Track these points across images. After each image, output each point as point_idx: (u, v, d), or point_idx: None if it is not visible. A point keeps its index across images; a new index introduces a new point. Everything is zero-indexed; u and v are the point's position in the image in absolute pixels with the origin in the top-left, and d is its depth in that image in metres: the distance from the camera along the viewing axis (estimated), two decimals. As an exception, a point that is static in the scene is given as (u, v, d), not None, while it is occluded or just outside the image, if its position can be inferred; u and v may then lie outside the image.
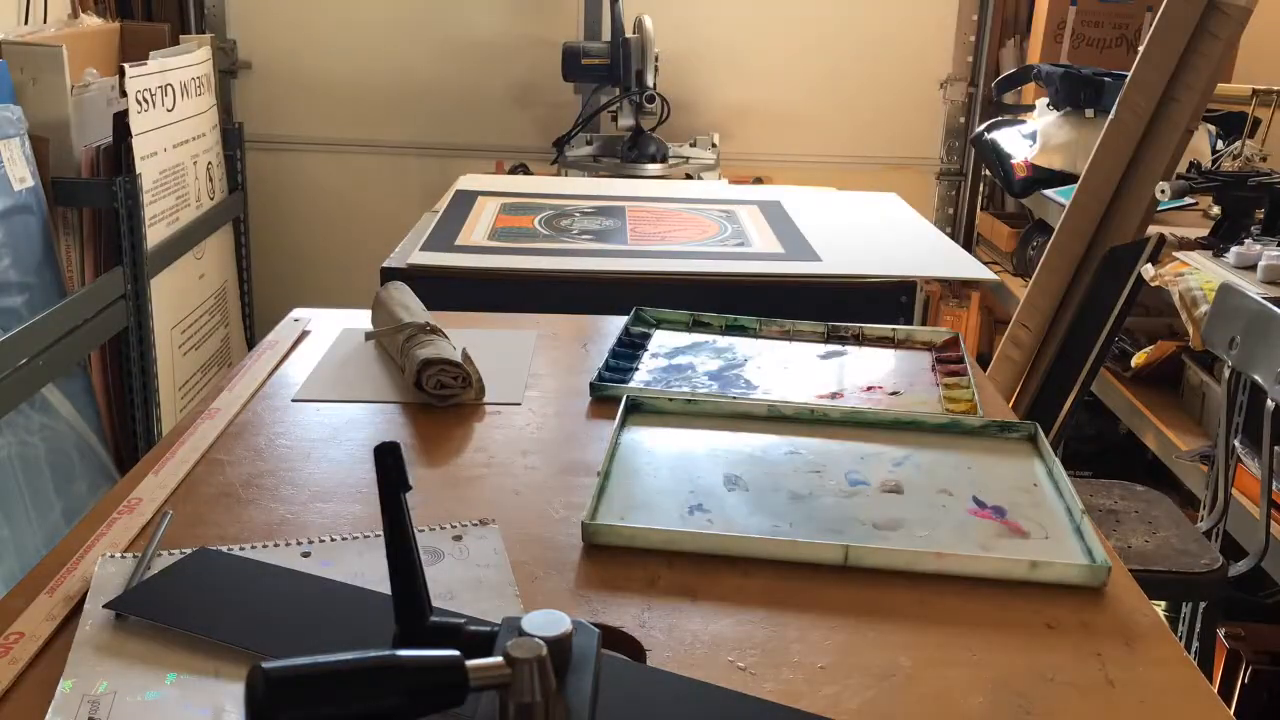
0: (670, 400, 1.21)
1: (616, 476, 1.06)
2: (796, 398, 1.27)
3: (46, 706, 0.72)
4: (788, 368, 1.37)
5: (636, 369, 1.34)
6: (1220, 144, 2.75)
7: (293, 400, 1.25)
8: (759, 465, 1.10)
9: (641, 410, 1.20)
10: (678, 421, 1.19)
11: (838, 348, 1.45)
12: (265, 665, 0.54)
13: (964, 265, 1.91)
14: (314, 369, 1.34)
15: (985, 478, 1.08)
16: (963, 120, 3.71)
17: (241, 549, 0.91)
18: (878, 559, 0.91)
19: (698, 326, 1.49)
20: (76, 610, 0.83)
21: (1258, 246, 2.14)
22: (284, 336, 1.44)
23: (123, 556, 0.90)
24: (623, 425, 1.16)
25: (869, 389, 1.32)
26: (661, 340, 1.46)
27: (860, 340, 1.47)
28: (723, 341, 1.46)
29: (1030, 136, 2.98)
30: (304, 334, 1.46)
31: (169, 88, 2.72)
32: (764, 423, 1.19)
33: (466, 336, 1.34)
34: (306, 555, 0.91)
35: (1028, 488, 1.07)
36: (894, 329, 1.49)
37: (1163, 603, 1.86)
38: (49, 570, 0.88)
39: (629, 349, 1.40)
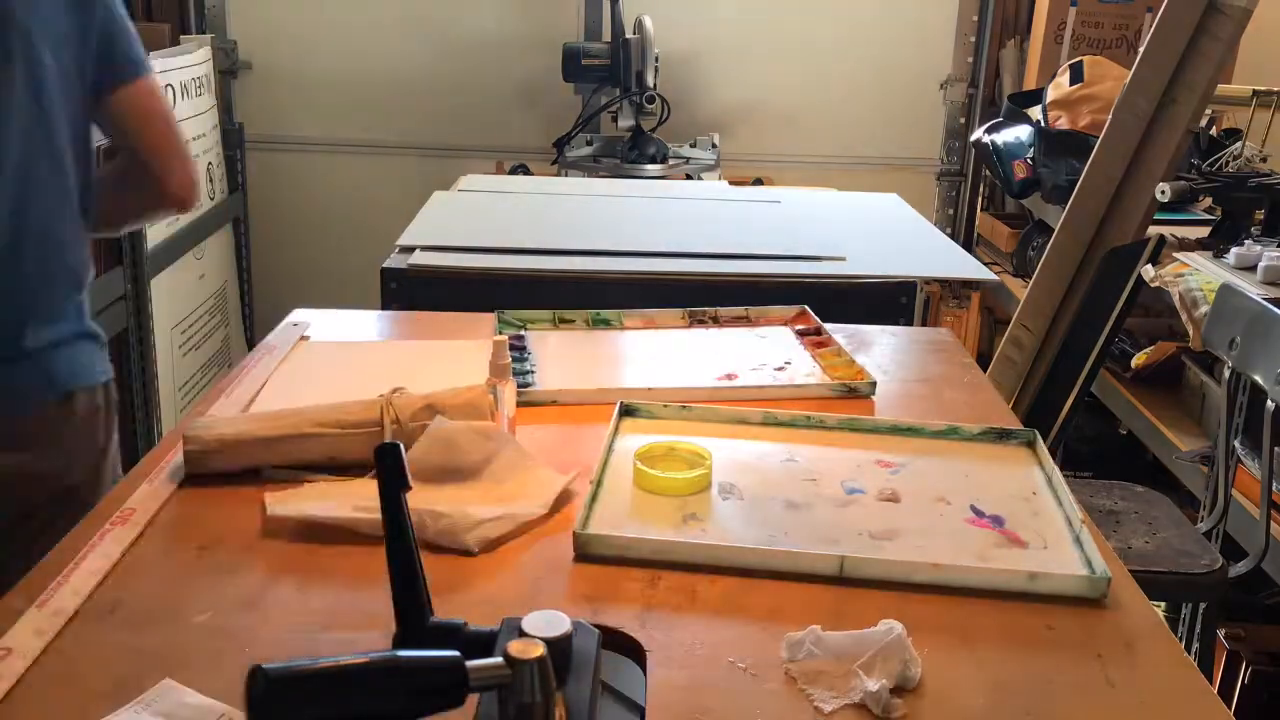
0: (664, 406, 1.20)
1: (610, 484, 1.04)
2: (694, 383, 1.29)
3: None
4: (672, 355, 1.41)
5: (534, 370, 1.35)
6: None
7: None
8: (755, 473, 1.08)
9: (635, 415, 1.19)
10: (672, 427, 1.17)
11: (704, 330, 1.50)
12: (265, 665, 0.54)
13: (964, 265, 1.91)
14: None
15: (984, 486, 1.07)
16: (963, 121, 3.71)
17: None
18: (874, 570, 0.90)
19: (563, 323, 1.52)
20: (68, 625, 0.82)
21: (1258, 247, 2.14)
22: (283, 340, 1.44)
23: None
24: (616, 431, 1.14)
25: (758, 367, 1.36)
26: (534, 339, 1.46)
27: (718, 322, 1.53)
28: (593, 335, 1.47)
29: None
30: (303, 338, 1.46)
31: (169, 88, 2.72)
32: (759, 428, 1.18)
33: (463, 347, 1.33)
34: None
35: (1027, 496, 1.05)
36: (747, 309, 1.56)
37: (1163, 603, 1.86)
38: (40, 582, 0.87)
39: (515, 351, 1.41)
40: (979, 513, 1.02)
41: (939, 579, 0.89)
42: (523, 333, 1.47)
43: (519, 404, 1.17)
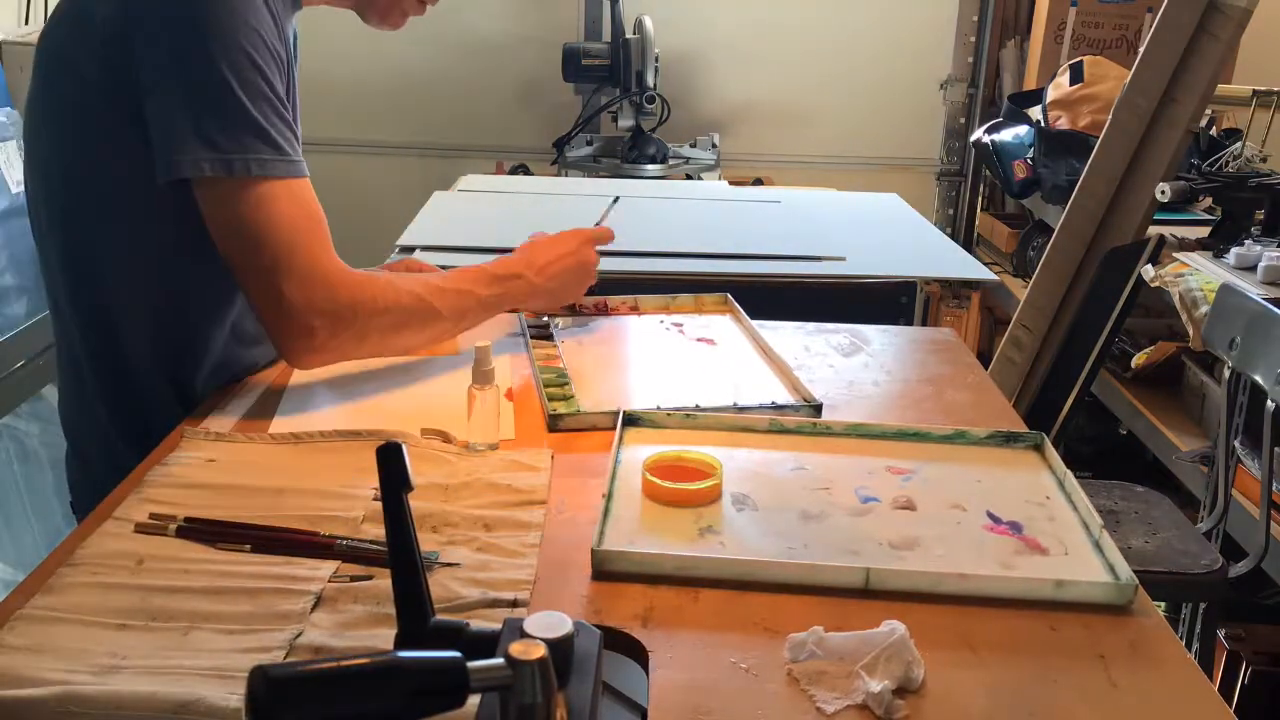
0: (669, 415, 1.18)
1: (620, 497, 1.02)
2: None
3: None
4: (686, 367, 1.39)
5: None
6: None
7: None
8: (765, 483, 1.06)
9: (639, 425, 1.17)
10: (676, 437, 1.15)
11: None
12: (266, 666, 0.54)
13: (964, 266, 1.91)
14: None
15: (997, 491, 1.06)
16: (963, 121, 3.71)
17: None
18: (900, 581, 0.88)
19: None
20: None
21: (1258, 247, 2.14)
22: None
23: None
24: (621, 441, 1.12)
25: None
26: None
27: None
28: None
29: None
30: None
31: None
32: (765, 435, 1.16)
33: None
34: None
35: (1041, 501, 1.04)
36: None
37: (1163, 603, 1.86)
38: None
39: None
40: (996, 519, 1.01)
41: (966, 589, 0.88)
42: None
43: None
